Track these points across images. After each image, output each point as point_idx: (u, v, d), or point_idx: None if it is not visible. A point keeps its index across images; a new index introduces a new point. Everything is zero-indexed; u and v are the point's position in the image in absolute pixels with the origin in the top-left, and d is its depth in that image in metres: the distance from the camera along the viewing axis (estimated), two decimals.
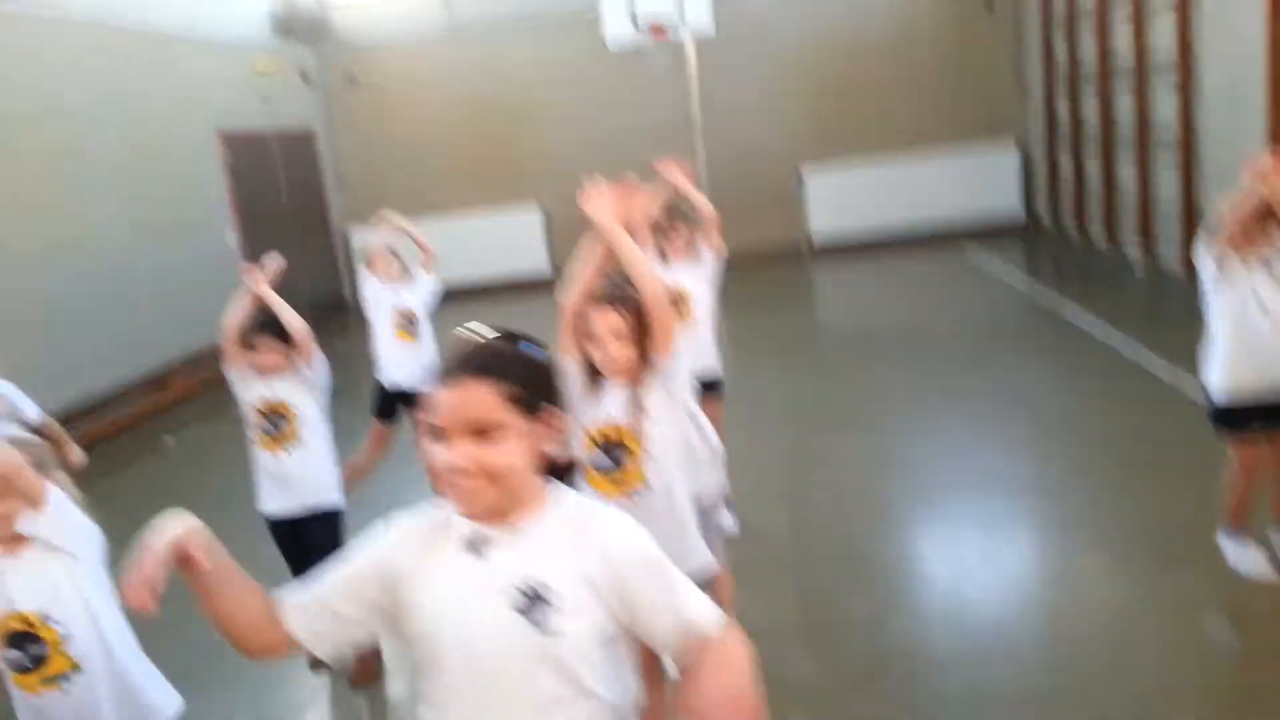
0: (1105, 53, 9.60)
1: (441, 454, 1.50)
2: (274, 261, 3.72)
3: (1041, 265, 10.90)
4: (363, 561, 1.59)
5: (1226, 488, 3.66)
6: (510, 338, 1.63)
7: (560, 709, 1.50)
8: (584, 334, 2.67)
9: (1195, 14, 7.76)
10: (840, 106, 12.38)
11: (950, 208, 12.13)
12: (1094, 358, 6.65)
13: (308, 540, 3.64)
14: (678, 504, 2.70)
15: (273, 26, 12.57)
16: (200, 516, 1.56)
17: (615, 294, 2.69)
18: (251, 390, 3.68)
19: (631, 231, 2.74)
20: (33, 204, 8.28)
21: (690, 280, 4.51)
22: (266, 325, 3.63)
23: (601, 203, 2.66)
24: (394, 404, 5.35)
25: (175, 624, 2.20)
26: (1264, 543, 3.65)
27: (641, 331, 2.64)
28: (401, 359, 5.28)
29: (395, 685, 3.69)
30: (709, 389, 4.52)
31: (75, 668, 2.30)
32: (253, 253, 11.39)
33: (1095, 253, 10.22)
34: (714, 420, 4.49)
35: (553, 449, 1.58)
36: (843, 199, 12.33)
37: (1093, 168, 10.28)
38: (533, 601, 1.49)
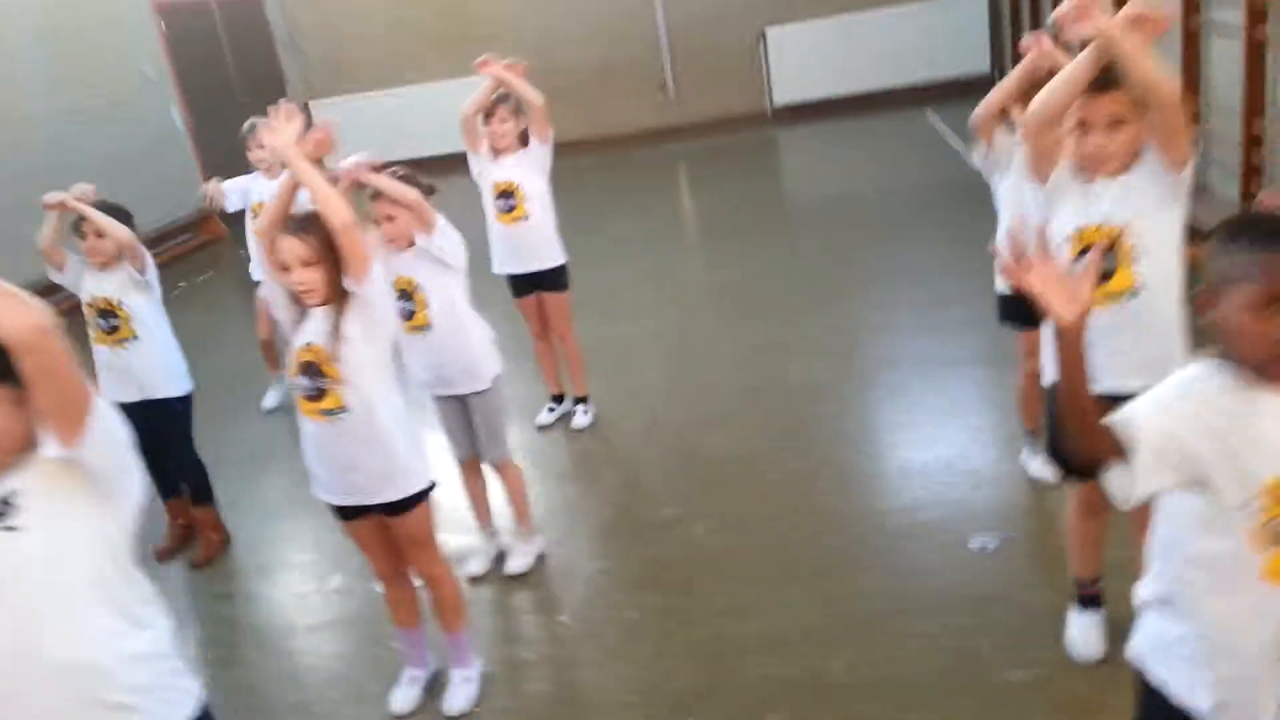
0: None
1: None
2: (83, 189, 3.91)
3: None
4: None
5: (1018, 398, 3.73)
6: None
7: None
8: (275, 262, 2.71)
9: None
10: None
11: (915, 66, 11.79)
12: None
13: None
14: (380, 427, 2.76)
15: None
16: None
17: (297, 221, 2.70)
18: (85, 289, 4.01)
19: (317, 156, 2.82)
20: None
21: (522, 173, 4.53)
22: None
23: (282, 133, 2.64)
24: None
25: None
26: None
27: (330, 257, 2.66)
28: None
29: None
30: (551, 283, 4.69)
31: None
32: (202, 132, 11.27)
33: None
34: (559, 313, 4.75)
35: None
36: (805, 61, 11.99)
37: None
38: None
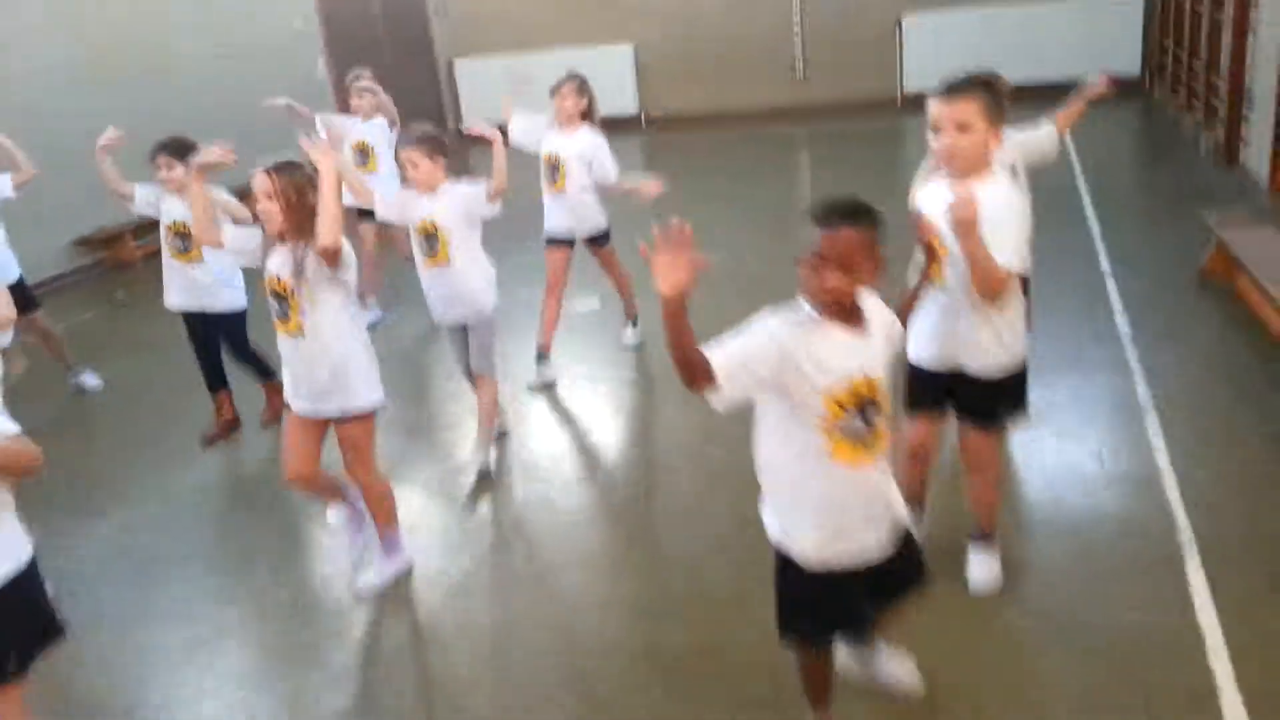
0: None
1: None
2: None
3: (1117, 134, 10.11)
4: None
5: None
6: None
7: None
8: (252, 196, 3.23)
9: None
10: None
11: (1059, 63, 11.31)
12: None
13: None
14: (334, 352, 3.26)
15: None
16: None
17: (277, 165, 3.19)
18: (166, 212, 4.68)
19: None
20: (122, 32, 8.88)
21: (570, 152, 5.01)
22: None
23: (324, 156, 3.16)
24: None
25: None
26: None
27: (288, 202, 3.15)
28: None
29: None
30: (596, 241, 5.29)
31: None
32: (343, 86, 11.84)
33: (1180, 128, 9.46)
34: (608, 258, 5.40)
35: None
36: (941, 50, 11.65)
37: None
38: None
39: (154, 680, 3.23)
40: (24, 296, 5.10)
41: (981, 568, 3.15)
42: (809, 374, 2.10)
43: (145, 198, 4.68)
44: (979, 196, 2.61)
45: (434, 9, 13.57)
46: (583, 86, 5.04)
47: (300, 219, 3.15)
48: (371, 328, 5.69)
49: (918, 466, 3.17)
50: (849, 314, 2.17)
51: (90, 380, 5.79)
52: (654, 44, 12.83)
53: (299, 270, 3.17)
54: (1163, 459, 3.81)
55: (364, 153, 6.24)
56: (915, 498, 3.12)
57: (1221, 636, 2.84)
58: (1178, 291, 5.44)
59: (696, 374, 2.03)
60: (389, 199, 4.23)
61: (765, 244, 7.12)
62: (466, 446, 4.58)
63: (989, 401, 2.98)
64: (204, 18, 9.87)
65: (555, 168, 5.02)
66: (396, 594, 3.53)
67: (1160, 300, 5.36)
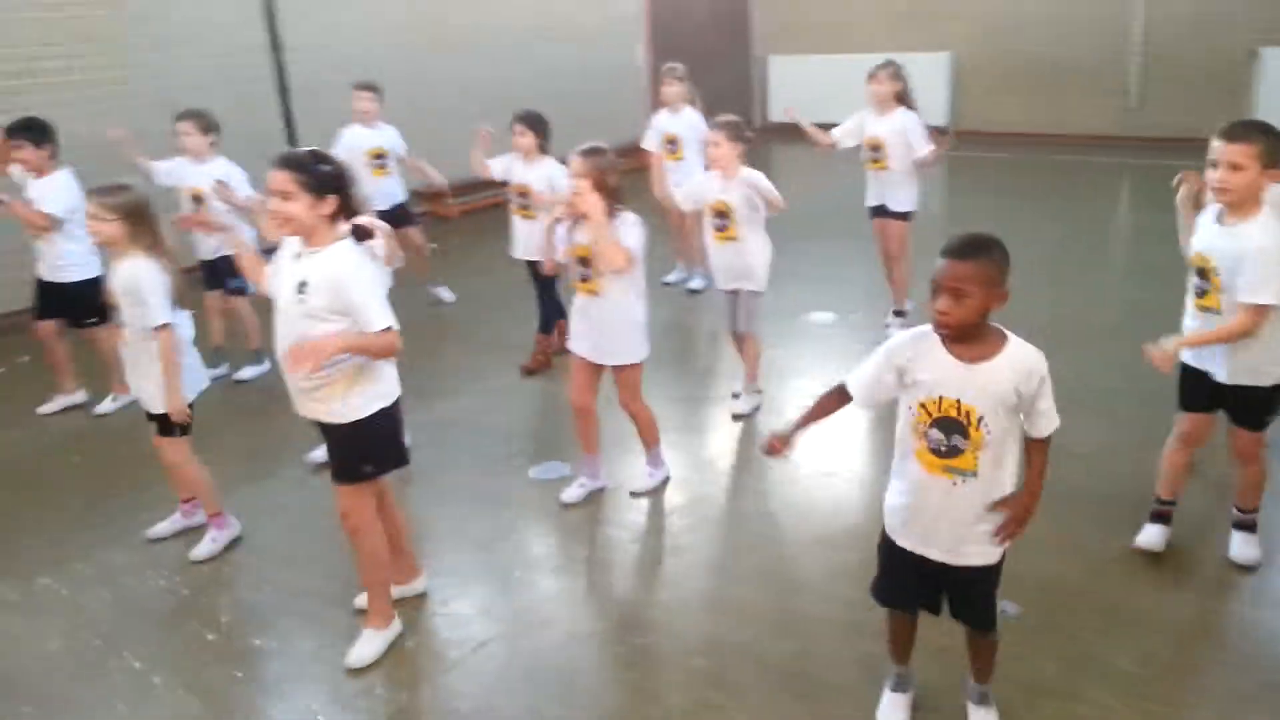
0: None
1: None
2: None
3: None
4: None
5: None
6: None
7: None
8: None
9: None
10: None
11: None
12: None
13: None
14: (616, 316, 3.98)
15: None
16: None
17: (586, 149, 3.78)
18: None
19: None
20: (449, 3, 9.63)
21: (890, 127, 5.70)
22: None
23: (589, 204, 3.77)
24: None
25: None
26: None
27: (604, 191, 3.74)
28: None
29: None
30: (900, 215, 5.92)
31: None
32: (656, 68, 12.26)
33: None
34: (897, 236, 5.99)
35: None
36: None
37: None
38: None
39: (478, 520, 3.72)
40: (407, 214, 6.69)
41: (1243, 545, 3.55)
42: (908, 382, 2.46)
43: (501, 166, 5.56)
44: (1245, 235, 3.09)
45: (759, 5, 13.74)
46: (897, 73, 5.65)
47: (608, 200, 3.76)
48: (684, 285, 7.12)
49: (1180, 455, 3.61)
50: (966, 340, 2.37)
51: (445, 294, 7.14)
52: (972, 54, 12.37)
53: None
54: None
55: (672, 142, 6.67)
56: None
57: None
58: None
59: (831, 404, 2.64)
60: (686, 187, 4.98)
61: (1045, 286, 6.73)
62: (723, 389, 5.35)
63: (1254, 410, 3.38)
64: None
65: (877, 148, 5.69)
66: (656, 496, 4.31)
67: None
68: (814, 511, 4.15)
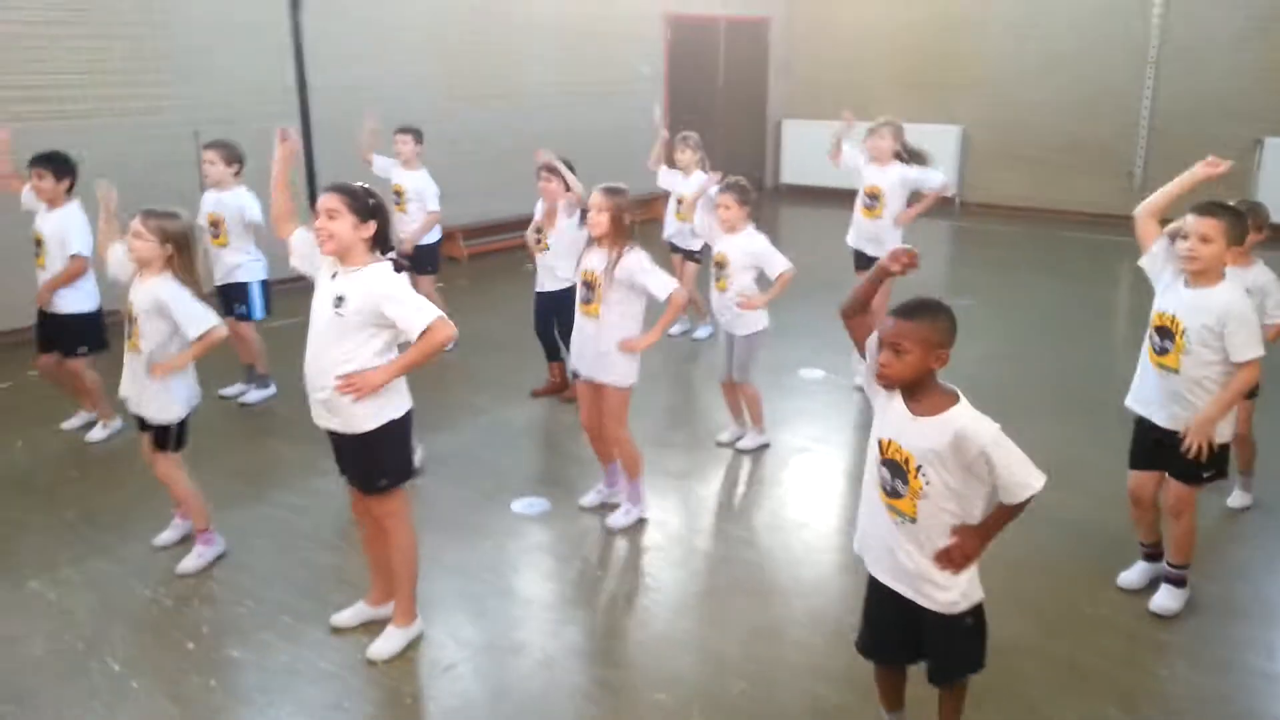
0: None
1: None
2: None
3: None
4: None
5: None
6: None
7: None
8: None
9: None
10: None
11: None
12: None
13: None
14: (605, 338, 4.24)
15: None
16: None
17: (607, 187, 4.19)
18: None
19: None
20: (480, 58, 9.98)
21: (889, 179, 6.08)
22: None
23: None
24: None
25: None
26: None
27: (619, 224, 4.15)
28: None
29: None
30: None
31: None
32: (675, 131, 12.56)
33: None
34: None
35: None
36: None
37: None
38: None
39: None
40: (433, 257, 7.07)
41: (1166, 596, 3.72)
42: (875, 411, 2.65)
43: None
44: (1212, 300, 3.41)
45: (776, 70, 14.08)
46: (897, 132, 6.09)
47: (619, 233, 4.18)
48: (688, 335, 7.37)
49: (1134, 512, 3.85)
50: (914, 394, 2.53)
51: None
52: (981, 128, 12.63)
53: (608, 270, 4.15)
54: None
55: (681, 202, 6.99)
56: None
57: None
58: None
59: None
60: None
61: (1039, 352, 6.83)
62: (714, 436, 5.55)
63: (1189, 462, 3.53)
64: (556, 52, 10.84)
65: (875, 197, 6.10)
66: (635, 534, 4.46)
67: None
68: (785, 559, 4.25)
